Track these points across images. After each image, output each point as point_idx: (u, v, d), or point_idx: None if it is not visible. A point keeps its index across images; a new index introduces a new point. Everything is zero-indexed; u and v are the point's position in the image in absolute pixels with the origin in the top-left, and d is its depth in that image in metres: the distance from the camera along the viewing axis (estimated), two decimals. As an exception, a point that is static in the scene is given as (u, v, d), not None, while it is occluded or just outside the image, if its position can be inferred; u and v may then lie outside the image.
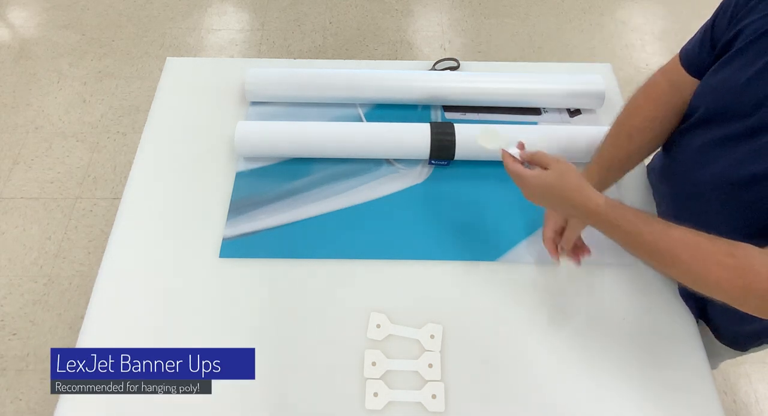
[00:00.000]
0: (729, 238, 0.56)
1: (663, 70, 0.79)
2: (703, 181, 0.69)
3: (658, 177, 0.86)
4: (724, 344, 0.82)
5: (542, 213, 0.87)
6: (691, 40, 0.75)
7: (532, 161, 0.69)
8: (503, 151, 0.71)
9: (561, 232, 0.76)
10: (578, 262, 0.76)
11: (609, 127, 0.80)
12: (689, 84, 0.73)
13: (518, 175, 0.68)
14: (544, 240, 0.77)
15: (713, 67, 0.68)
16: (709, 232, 0.57)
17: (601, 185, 0.77)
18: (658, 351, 0.75)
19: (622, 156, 0.77)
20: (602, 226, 0.64)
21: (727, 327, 0.80)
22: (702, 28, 0.73)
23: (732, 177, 0.63)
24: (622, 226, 0.61)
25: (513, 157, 0.70)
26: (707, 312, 0.80)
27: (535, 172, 0.67)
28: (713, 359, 0.88)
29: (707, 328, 0.83)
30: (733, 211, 0.65)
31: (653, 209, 0.88)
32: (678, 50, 0.80)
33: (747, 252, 0.55)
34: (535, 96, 0.99)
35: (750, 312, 0.56)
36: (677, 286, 0.81)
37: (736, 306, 0.56)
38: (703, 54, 0.72)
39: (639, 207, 0.83)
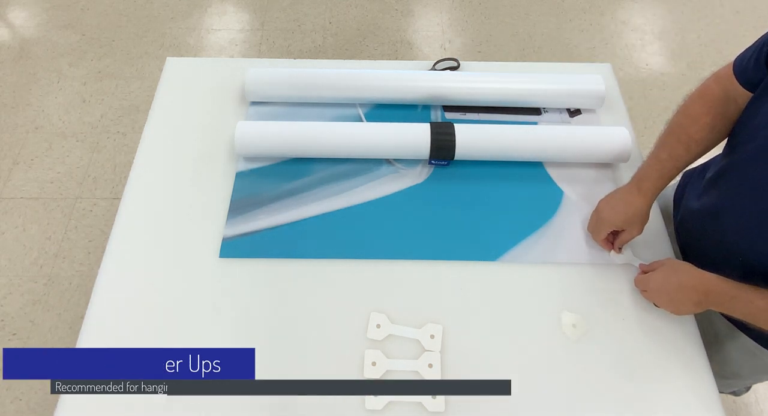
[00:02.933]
0: None
1: (716, 76, 0.76)
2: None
3: (696, 218, 0.81)
4: None
5: (541, 214, 0.87)
6: (745, 51, 0.72)
7: (648, 269, 0.78)
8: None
9: (611, 234, 0.82)
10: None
11: (663, 133, 0.80)
12: (742, 95, 0.72)
13: (642, 280, 0.77)
14: (599, 242, 0.83)
15: None
16: None
17: (657, 190, 0.79)
18: (658, 351, 0.75)
19: (680, 165, 0.78)
20: (721, 300, 0.67)
21: None
22: (758, 41, 0.70)
23: None
24: (736, 298, 0.64)
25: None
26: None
27: (652, 273, 0.75)
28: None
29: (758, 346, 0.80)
30: None
31: (661, 224, 0.87)
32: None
33: None
34: (535, 96, 0.99)
35: None
36: None
37: None
38: (757, 70, 0.69)
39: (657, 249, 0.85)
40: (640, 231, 0.80)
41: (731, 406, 1.37)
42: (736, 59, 0.74)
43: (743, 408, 1.37)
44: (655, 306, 0.77)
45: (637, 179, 0.80)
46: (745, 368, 0.85)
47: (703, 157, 0.82)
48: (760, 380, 0.93)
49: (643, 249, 0.83)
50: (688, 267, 0.71)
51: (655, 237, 0.86)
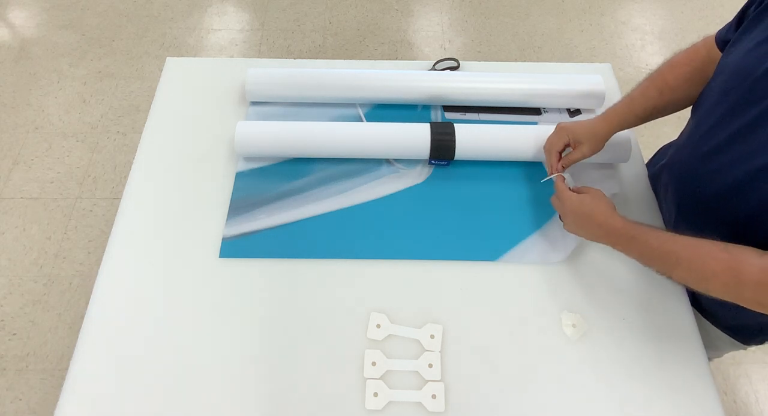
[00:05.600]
0: None
1: (705, 40, 0.80)
2: (707, 180, 0.68)
3: (663, 183, 0.85)
4: (726, 334, 0.82)
5: (542, 214, 0.87)
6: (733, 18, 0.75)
7: (578, 191, 0.78)
8: (559, 176, 0.82)
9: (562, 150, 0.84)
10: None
11: (644, 78, 0.82)
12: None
13: (561, 192, 0.78)
14: (551, 158, 0.84)
15: (748, 47, 0.67)
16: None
17: (621, 122, 0.81)
18: (658, 351, 0.75)
19: (648, 107, 0.80)
20: (620, 241, 0.70)
21: (725, 317, 0.81)
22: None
23: (735, 173, 0.63)
24: (635, 238, 0.67)
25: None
26: (701, 302, 0.81)
27: (574, 193, 0.77)
28: (712, 351, 0.88)
29: (703, 319, 0.83)
30: (729, 223, 0.66)
31: (660, 223, 0.88)
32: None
33: (741, 249, 0.58)
34: (535, 96, 0.99)
35: (745, 305, 0.58)
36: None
37: (732, 300, 0.59)
38: (730, 32, 0.73)
39: (644, 219, 0.84)
40: (591, 151, 0.81)
41: (731, 406, 1.37)
42: (722, 27, 0.77)
43: (743, 408, 1.37)
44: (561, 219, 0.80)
45: (605, 112, 0.83)
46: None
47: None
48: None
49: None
50: (604, 206, 0.72)
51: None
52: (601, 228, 0.71)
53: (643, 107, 0.80)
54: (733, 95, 0.65)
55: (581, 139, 0.81)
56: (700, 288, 0.62)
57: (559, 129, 0.84)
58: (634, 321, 0.78)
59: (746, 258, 0.57)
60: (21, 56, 2.08)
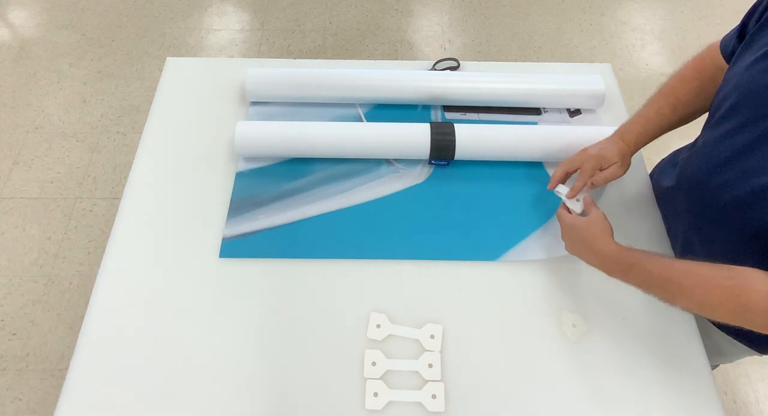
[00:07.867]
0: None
1: (709, 48, 0.80)
2: (715, 193, 0.68)
3: (667, 193, 0.85)
4: (742, 343, 0.81)
5: (541, 214, 0.88)
6: (734, 28, 0.76)
7: (586, 207, 0.78)
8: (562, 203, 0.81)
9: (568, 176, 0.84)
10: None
11: (653, 94, 0.82)
12: (725, 68, 0.75)
13: (558, 216, 0.79)
14: (559, 172, 0.82)
15: (749, 62, 0.67)
16: (715, 260, 0.59)
17: (639, 144, 0.81)
18: (658, 351, 0.75)
19: (664, 124, 0.80)
20: (617, 269, 0.68)
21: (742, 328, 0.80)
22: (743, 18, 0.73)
23: (739, 189, 0.63)
24: (633, 266, 0.65)
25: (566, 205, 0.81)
26: None
27: (572, 215, 0.77)
28: (723, 358, 0.88)
29: (718, 330, 0.82)
30: (738, 237, 0.65)
31: (663, 235, 0.87)
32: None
33: (746, 274, 0.57)
34: (535, 96, 0.99)
35: (755, 330, 0.57)
36: None
37: (740, 326, 0.57)
38: (735, 41, 0.73)
39: (647, 232, 0.86)
40: (624, 171, 0.80)
41: (731, 406, 1.37)
42: (725, 35, 0.77)
43: (743, 408, 1.37)
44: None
45: (621, 132, 0.82)
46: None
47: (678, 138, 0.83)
48: (716, 362, 0.94)
49: (637, 239, 0.83)
50: (599, 232, 0.71)
51: (651, 227, 0.86)
52: (595, 256, 0.70)
53: (660, 126, 0.80)
54: (739, 111, 0.64)
55: (615, 161, 0.80)
56: (705, 315, 0.60)
57: (589, 156, 0.80)
58: (634, 321, 0.78)
59: (752, 284, 0.55)
60: (21, 56, 2.08)
